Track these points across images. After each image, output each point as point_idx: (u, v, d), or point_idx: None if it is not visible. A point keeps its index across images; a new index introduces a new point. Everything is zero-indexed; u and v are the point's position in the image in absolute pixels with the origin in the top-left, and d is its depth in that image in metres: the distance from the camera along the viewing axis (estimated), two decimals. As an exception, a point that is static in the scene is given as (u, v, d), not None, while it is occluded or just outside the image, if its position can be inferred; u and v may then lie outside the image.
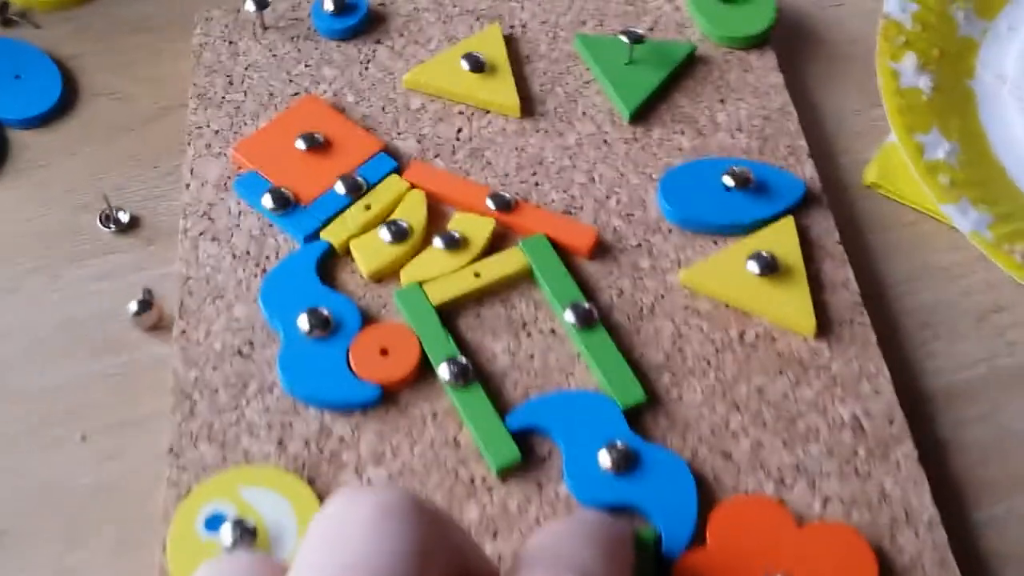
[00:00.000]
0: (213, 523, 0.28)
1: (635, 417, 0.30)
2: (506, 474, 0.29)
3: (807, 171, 0.36)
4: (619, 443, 0.29)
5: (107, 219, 0.35)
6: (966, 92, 0.38)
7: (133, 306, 0.32)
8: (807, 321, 0.32)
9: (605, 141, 0.36)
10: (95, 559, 0.28)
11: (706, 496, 0.29)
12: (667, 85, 0.38)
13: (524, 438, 0.30)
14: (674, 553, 0.28)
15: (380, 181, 0.34)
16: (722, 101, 0.37)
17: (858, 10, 0.41)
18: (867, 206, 0.36)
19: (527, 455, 0.29)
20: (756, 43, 0.39)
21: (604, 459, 0.29)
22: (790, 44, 0.40)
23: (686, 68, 0.38)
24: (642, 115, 0.37)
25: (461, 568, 0.21)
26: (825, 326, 0.32)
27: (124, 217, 0.35)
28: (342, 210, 0.33)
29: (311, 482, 0.29)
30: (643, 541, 0.28)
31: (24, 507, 0.29)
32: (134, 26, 0.40)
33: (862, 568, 0.27)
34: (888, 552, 0.28)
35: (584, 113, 0.37)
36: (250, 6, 0.38)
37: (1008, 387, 0.32)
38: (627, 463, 0.29)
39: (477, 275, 0.32)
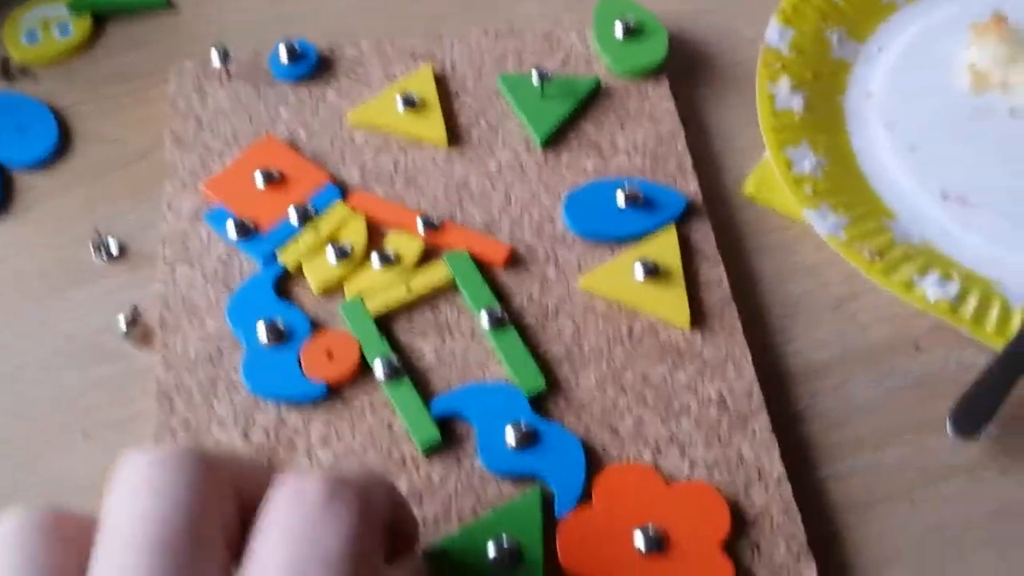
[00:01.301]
0: (192, 499, 0.34)
1: (538, 402, 0.37)
2: (430, 452, 0.35)
3: (691, 186, 0.42)
4: (523, 424, 0.35)
5: (99, 248, 0.41)
6: (837, 109, 0.44)
7: (123, 323, 0.38)
8: (683, 316, 0.38)
9: (521, 166, 0.42)
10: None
11: (595, 464, 0.35)
12: (575, 115, 0.44)
13: (446, 422, 0.36)
14: (564, 511, 0.34)
15: (327, 208, 0.41)
16: (622, 127, 0.43)
17: (744, 39, 0.47)
18: (744, 214, 0.42)
19: (448, 436, 0.36)
20: (652, 73, 0.45)
21: (510, 437, 0.35)
22: (683, 72, 0.46)
23: (592, 99, 0.44)
24: (553, 142, 0.43)
25: (242, 492, 0.26)
26: (699, 319, 0.38)
27: (114, 246, 0.41)
28: (295, 235, 0.40)
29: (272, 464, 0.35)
30: (533, 501, 0.34)
31: (37, 496, 0.36)
32: (118, 76, 0.47)
33: (717, 517, 0.34)
34: (743, 505, 0.34)
35: (503, 142, 0.43)
36: (216, 58, 0.44)
37: (856, 363, 0.38)
38: (528, 440, 0.35)
39: (409, 288, 0.39)
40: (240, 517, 0.26)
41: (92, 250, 0.41)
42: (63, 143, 0.45)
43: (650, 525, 0.33)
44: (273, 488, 0.26)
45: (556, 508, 0.34)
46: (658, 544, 0.33)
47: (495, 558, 0.32)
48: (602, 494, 0.34)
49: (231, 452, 0.27)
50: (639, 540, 0.33)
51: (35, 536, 0.25)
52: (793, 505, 0.34)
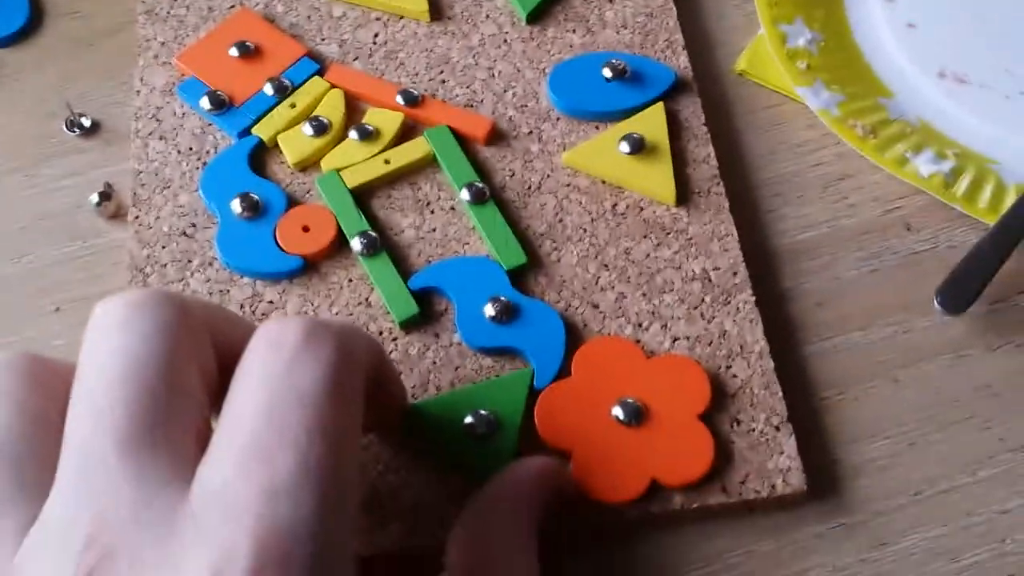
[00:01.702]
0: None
1: (519, 278, 0.36)
2: (408, 327, 0.35)
3: (681, 62, 0.40)
4: (502, 298, 0.35)
5: (71, 124, 0.40)
6: (834, -16, 0.43)
7: (95, 198, 0.38)
8: (669, 192, 0.37)
9: (505, 41, 0.41)
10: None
11: (575, 339, 0.35)
12: (562, -13, 0.42)
13: (424, 297, 0.35)
14: (543, 384, 0.33)
15: (304, 82, 0.39)
16: (610, 1, 0.42)
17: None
18: (736, 91, 0.41)
19: (426, 311, 0.35)
20: (644, -54, 0.43)
21: (489, 311, 0.34)
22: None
23: (580, -29, 0.43)
24: (538, 16, 0.41)
25: (217, 338, 0.26)
26: (685, 196, 0.37)
27: (86, 122, 0.40)
28: (270, 109, 0.39)
29: (247, 337, 0.35)
30: (522, 380, 0.33)
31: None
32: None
33: (697, 390, 0.33)
34: (723, 378, 0.34)
35: (487, 16, 0.42)
36: (189, -72, 0.42)
37: (846, 242, 0.38)
38: (508, 314, 0.34)
39: (387, 162, 0.38)
40: (220, 366, 0.25)
41: (64, 126, 0.40)
42: (34, 19, 0.43)
43: (629, 397, 0.33)
44: (253, 338, 0.25)
45: (535, 382, 0.33)
46: (637, 416, 0.32)
47: (471, 423, 0.32)
48: (582, 366, 0.34)
49: (211, 302, 0.27)
50: (618, 412, 0.32)
51: (16, 378, 0.25)
52: (774, 379, 0.34)
